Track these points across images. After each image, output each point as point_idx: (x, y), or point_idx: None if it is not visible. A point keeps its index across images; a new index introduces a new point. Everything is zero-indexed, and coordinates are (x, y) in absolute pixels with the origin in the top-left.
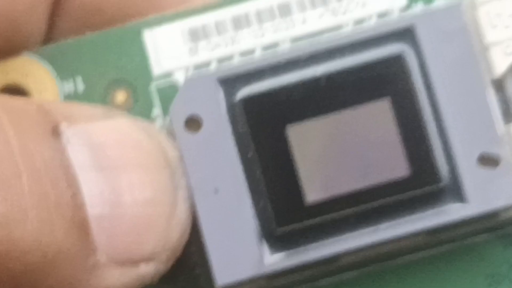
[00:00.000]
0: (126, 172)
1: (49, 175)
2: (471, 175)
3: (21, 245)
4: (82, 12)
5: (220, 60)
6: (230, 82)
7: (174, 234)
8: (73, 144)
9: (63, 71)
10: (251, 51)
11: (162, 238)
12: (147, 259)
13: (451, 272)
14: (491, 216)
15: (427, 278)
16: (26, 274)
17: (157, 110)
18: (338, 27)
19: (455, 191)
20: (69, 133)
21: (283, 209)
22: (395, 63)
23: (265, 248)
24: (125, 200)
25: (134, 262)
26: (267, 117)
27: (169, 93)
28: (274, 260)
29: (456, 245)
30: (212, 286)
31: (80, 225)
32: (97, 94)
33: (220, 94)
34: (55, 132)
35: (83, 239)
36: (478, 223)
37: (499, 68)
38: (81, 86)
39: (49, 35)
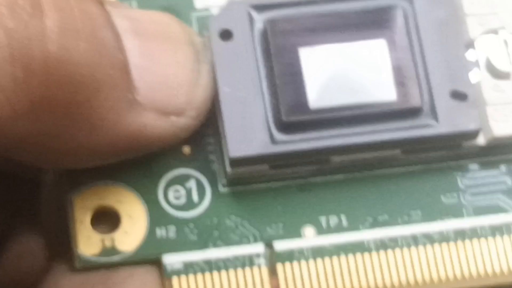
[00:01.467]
0: (159, 41)
1: (96, 20)
2: (444, 104)
3: (76, 57)
4: None
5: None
6: (260, 8)
7: (199, 95)
8: (115, 15)
9: None
10: None
11: (189, 96)
12: (177, 112)
13: (419, 188)
14: (455, 141)
15: (399, 190)
16: (79, 86)
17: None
18: None
19: (431, 115)
20: (112, 10)
21: (290, 106)
22: (395, 10)
23: (274, 132)
24: (157, 60)
25: (167, 112)
26: (284, 38)
27: (205, 22)
28: (280, 141)
29: (425, 166)
30: (224, 169)
31: (122, 64)
32: None
33: (251, 15)
34: (101, 3)
35: (124, 77)
36: (444, 148)
37: (472, 33)
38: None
39: None
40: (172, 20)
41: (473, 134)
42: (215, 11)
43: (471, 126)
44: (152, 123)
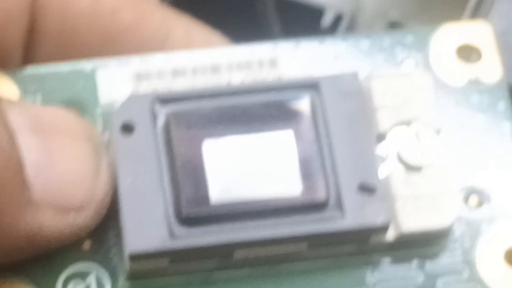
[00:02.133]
0: (57, 136)
1: None
2: (351, 198)
3: None
4: (58, 37)
5: None
6: (163, 101)
7: (100, 190)
8: (12, 112)
9: (27, 88)
10: None
11: (89, 192)
12: (77, 209)
13: (326, 284)
14: (363, 235)
15: (306, 286)
16: None
17: (99, 128)
18: None
19: (338, 209)
20: (8, 105)
21: (191, 200)
22: (303, 103)
23: (174, 226)
24: (56, 156)
25: (65, 209)
26: (187, 131)
27: (110, 117)
28: (180, 235)
29: (332, 261)
30: (124, 263)
31: (16, 163)
32: None
33: (154, 109)
34: None
35: (18, 176)
36: (352, 243)
37: (383, 126)
38: (39, 101)
39: (28, 59)
40: (72, 115)
41: (382, 229)
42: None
43: (378, 220)
44: (50, 222)
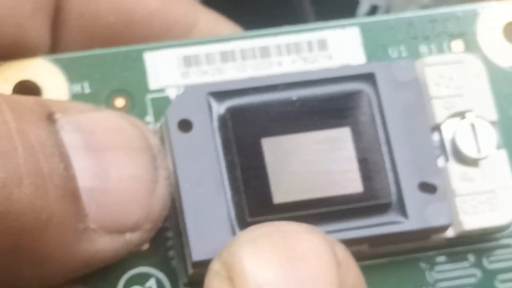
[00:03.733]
0: (112, 152)
1: (43, 151)
2: (412, 198)
3: (18, 207)
4: (81, 21)
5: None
6: (219, 95)
7: (156, 207)
8: (65, 129)
9: (73, 75)
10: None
11: (145, 210)
12: (132, 228)
13: (386, 281)
14: (424, 235)
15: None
16: (23, 233)
17: (150, 117)
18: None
19: (400, 210)
20: (62, 121)
21: (254, 204)
22: (359, 96)
23: (238, 232)
24: (111, 176)
25: (121, 231)
26: (246, 128)
27: (161, 104)
28: None
29: (392, 259)
30: (185, 267)
31: (72, 194)
32: (100, 98)
33: (210, 104)
34: (50, 119)
35: (74, 207)
36: (413, 241)
37: (438, 116)
38: (87, 90)
39: (55, 46)
40: (126, 122)
41: (443, 228)
42: (170, 92)
43: (441, 221)
44: (105, 246)
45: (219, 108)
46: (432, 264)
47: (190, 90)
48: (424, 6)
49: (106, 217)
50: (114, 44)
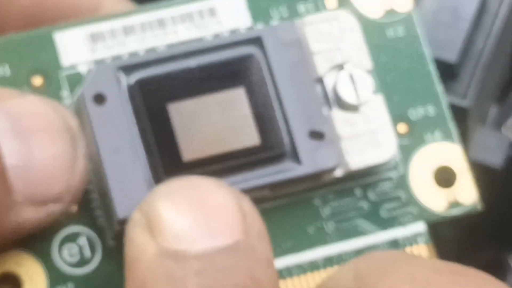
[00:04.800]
0: (36, 134)
1: None
2: (304, 145)
3: None
4: (22, 16)
5: (114, 58)
6: (127, 69)
7: (76, 181)
8: None
9: None
10: (136, 53)
11: (66, 184)
12: (55, 200)
13: (286, 220)
14: (317, 176)
15: (269, 224)
16: None
17: (65, 92)
18: (201, 38)
19: (294, 157)
20: None
21: (168, 164)
22: (250, 59)
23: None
24: (35, 155)
25: (44, 202)
26: (153, 96)
27: (74, 79)
28: None
29: (290, 199)
30: (111, 225)
31: (2, 169)
32: (20, 78)
33: (120, 78)
34: None
35: (2, 183)
36: (307, 183)
37: (320, 69)
38: (8, 71)
39: None
40: (49, 107)
41: (332, 170)
42: (82, 67)
43: (330, 163)
44: (31, 215)
45: (128, 80)
46: (325, 201)
47: (100, 66)
48: None
49: (31, 191)
50: (27, 27)
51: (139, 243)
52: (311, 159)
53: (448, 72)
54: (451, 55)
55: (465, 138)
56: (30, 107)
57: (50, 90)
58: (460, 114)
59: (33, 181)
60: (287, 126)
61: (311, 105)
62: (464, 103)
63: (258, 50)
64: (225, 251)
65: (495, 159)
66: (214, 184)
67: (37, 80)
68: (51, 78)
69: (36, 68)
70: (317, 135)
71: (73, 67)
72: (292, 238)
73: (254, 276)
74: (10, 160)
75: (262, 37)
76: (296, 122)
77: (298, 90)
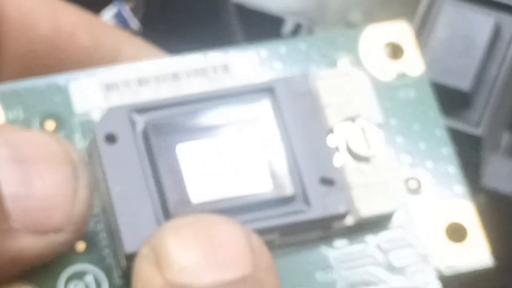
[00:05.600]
0: (36, 163)
1: None
2: (314, 191)
3: None
4: (20, 60)
5: None
6: (139, 110)
7: (77, 211)
8: None
9: (8, 103)
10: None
11: (67, 214)
12: (55, 230)
13: (295, 267)
14: (326, 223)
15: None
16: None
17: (77, 136)
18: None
19: (304, 202)
20: None
21: (176, 204)
22: (262, 107)
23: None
24: (35, 184)
25: (44, 231)
26: (163, 137)
27: (87, 125)
28: None
29: (301, 247)
30: (118, 262)
31: None
32: (33, 122)
33: (132, 119)
34: None
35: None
36: (317, 229)
37: (332, 121)
38: (21, 115)
39: None
40: (52, 139)
41: (342, 216)
42: (95, 114)
43: (340, 209)
44: (30, 245)
45: (139, 121)
46: (335, 248)
47: (113, 108)
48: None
49: (30, 219)
50: (44, 71)
51: (146, 276)
52: (321, 204)
53: (462, 100)
54: (464, 84)
55: (478, 166)
56: (32, 137)
57: (63, 134)
58: (473, 143)
59: (32, 210)
60: (298, 173)
61: (322, 154)
62: (477, 131)
63: (271, 97)
64: (232, 284)
65: (508, 187)
66: (223, 219)
67: (50, 124)
68: (64, 123)
69: (49, 113)
70: (327, 182)
71: (86, 114)
72: (301, 286)
73: None
74: (8, 188)
75: (275, 87)
76: (307, 169)
77: (309, 139)
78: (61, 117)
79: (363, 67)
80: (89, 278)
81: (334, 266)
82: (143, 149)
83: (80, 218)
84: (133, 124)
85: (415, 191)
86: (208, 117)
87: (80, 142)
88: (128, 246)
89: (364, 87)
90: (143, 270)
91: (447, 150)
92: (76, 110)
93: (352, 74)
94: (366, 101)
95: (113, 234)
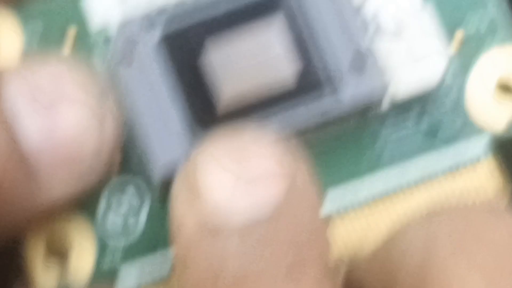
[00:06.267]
0: (58, 105)
1: None
2: (346, 79)
3: None
4: None
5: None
6: (150, 24)
7: (106, 147)
8: (11, 90)
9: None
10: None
11: (96, 152)
12: (87, 171)
13: (338, 155)
14: (362, 110)
15: (325, 153)
16: None
17: (99, 48)
18: None
19: (334, 92)
20: (8, 80)
21: (205, 111)
22: None
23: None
24: (59, 128)
25: (76, 176)
26: (184, 47)
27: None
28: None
29: (340, 136)
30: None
31: (19, 158)
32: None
33: (147, 33)
34: None
35: (23, 168)
36: (354, 118)
37: None
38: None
39: None
40: (72, 72)
41: (378, 102)
42: (113, 20)
43: (375, 95)
44: (63, 194)
45: (156, 35)
46: (375, 133)
47: (122, 27)
48: None
49: (59, 168)
50: None
51: (179, 214)
52: (353, 94)
53: None
54: None
55: None
56: (51, 75)
57: (82, 43)
58: None
59: (60, 157)
60: (328, 57)
61: (352, 31)
62: None
63: None
64: (266, 223)
65: None
66: (261, 145)
67: (71, 33)
68: (84, 31)
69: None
70: (359, 66)
71: (105, 22)
72: (345, 169)
73: (299, 248)
74: (31, 143)
75: None
76: (338, 53)
77: (337, 15)
78: (80, 26)
79: None
80: (130, 188)
81: (376, 150)
82: (162, 63)
83: (110, 153)
84: (148, 39)
85: (460, 45)
86: (227, 13)
87: (99, 55)
88: (159, 174)
89: None
90: (176, 206)
91: None
92: (94, 20)
93: None
94: None
95: (143, 160)
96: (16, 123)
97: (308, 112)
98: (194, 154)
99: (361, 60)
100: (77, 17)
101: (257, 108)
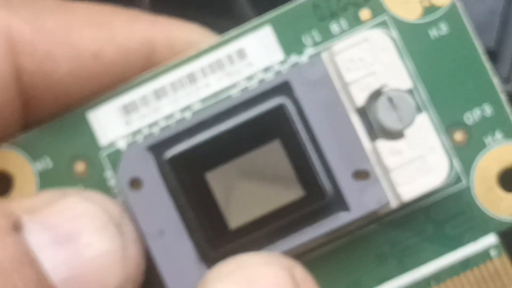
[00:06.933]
0: (79, 237)
1: (13, 266)
2: (349, 188)
3: None
4: (51, 97)
5: (150, 126)
6: (156, 148)
7: (131, 269)
8: (32, 231)
9: (34, 154)
10: (171, 115)
11: (122, 276)
12: None
13: (349, 258)
14: (369, 217)
15: (331, 267)
16: None
17: (109, 172)
18: (234, 85)
19: (340, 202)
20: (29, 224)
21: (213, 237)
22: (279, 111)
23: (205, 269)
24: (83, 259)
25: None
26: (188, 169)
27: (116, 157)
28: None
29: (350, 238)
30: None
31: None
32: (62, 168)
33: (151, 158)
34: (16, 227)
35: None
36: (362, 220)
37: (359, 100)
38: (50, 164)
39: (28, 120)
40: (87, 203)
41: (384, 207)
42: (120, 144)
43: (380, 202)
44: None
45: (160, 159)
46: (386, 232)
47: (130, 150)
48: None
49: None
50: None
51: None
52: (359, 202)
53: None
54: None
55: None
56: (68, 210)
57: (94, 173)
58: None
59: (88, 284)
60: (328, 172)
61: (351, 144)
62: (508, 87)
63: (287, 95)
64: None
65: None
66: (263, 260)
67: (80, 166)
68: (93, 161)
69: (76, 153)
70: (361, 175)
71: (112, 145)
72: (355, 276)
73: None
74: (57, 275)
75: (290, 80)
76: (338, 165)
77: (335, 130)
78: (88, 153)
79: (386, 10)
80: None
81: (386, 250)
82: (169, 187)
83: (136, 274)
84: (153, 162)
85: (462, 143)
86: (228, 137)
87: (112, 179)
88: None
89: (386, 50)
90: None
91: (492, 84)
92: (101, 143)
93: (370, 37)
94: (390, 67)
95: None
96: (40, 261)
97: (317, 224)
98: (204, 278)
99: (364, 169)
100: (85, 146)
101: (266, 229)
